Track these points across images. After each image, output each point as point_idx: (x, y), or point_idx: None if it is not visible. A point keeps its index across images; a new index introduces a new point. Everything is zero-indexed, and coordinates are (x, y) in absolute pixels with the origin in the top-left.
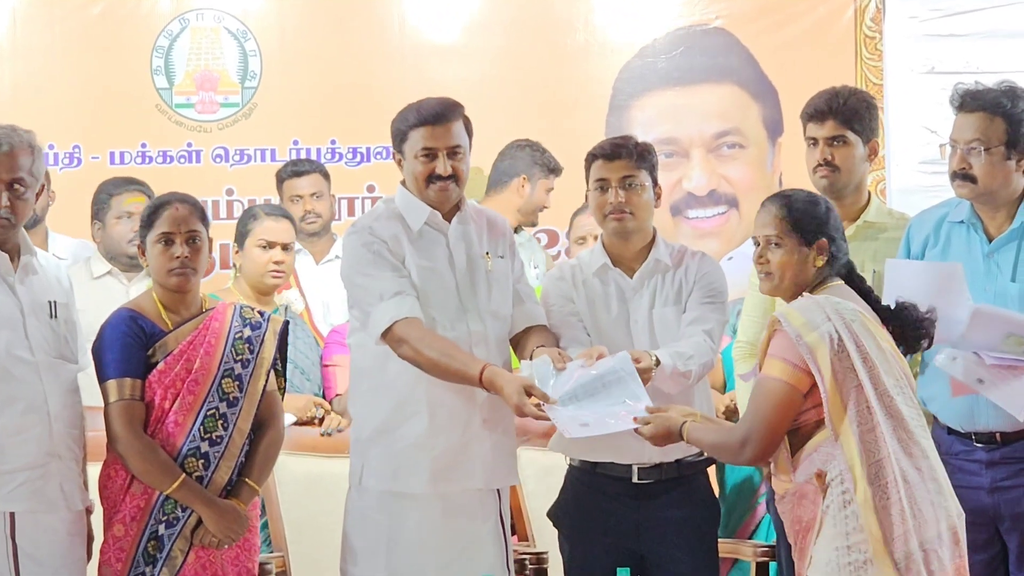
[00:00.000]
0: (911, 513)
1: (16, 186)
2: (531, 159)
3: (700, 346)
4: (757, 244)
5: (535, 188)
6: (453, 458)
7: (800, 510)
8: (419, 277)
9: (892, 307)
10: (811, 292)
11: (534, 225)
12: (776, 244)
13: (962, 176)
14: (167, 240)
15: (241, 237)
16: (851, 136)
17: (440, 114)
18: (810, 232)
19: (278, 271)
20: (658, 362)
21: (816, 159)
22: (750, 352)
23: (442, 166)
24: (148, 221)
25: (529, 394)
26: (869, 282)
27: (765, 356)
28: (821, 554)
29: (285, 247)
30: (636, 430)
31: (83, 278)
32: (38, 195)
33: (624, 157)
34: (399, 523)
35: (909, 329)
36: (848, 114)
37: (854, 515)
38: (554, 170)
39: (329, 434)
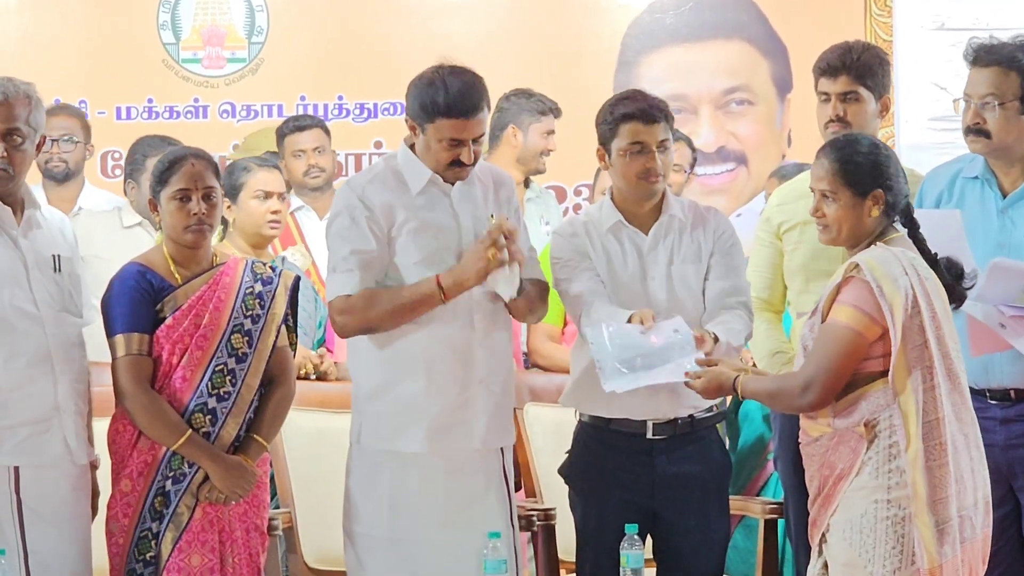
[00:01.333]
0: (955, 478)
1: (13, 136)
2: (518, 107)
3: (744, 319)
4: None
5: (528, 134)
6: (450, 418)
7: (835, 456)
8: (418, 237)
9: (941, 261)
10: (881, 242)
11: (540, 172)
12: (830, 197)
13: (976, 131)
14: (184, 197)
15: (233, 191)
16: (863, 92)
17: (471, 105)
18: (865, 184)
19: (276, 220)
20: (716, 339)
21: (828, 115)
22: (758, 307)
23: (467, 155)
24: (163, 177)
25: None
26: None
27: (833, 302)
28: (855, 503)
29: (280, 196)
30: (687, 383)
31: (114, 227)
32: (39, 147)
33: (660, 121)
34: (399, 482)
35: (956, 284)
36: (861, 70)
37: (898, 470)
38: (547, 111)
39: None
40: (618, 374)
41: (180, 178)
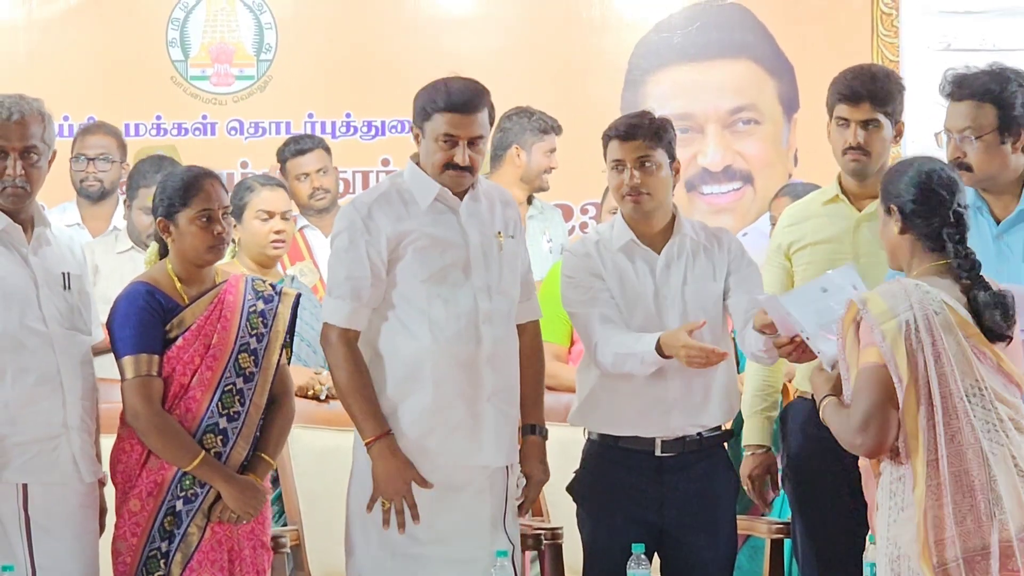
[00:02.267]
0: (956, 520)
1: (30, 154)
2: (520, 126)
3: None
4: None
5: (531, 153)
6: (458, 434)
7: (870, 489)
8: (426, 254)
9: (981, 295)
10: (920, 269)
11: (543, 190)
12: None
13: (958, 165)
14: (208, 217)
15: (238, 211)
16: (883, 119)
17: (468, 102)
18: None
19: (279, 240)
20: None
21: (848, 141)
22: None
23: (461, 155)
24: (183, 199)
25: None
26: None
27: (858, 344)
28: (879, 522)
29: (284, 216)
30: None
31: (108, 251)
32: (50, 163)
33: (639, 137)
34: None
35: (989, 316)
36: (884, 98)
37: (898, 507)
38: (549, 130)
39: (325, 399)
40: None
41: (202, 199)
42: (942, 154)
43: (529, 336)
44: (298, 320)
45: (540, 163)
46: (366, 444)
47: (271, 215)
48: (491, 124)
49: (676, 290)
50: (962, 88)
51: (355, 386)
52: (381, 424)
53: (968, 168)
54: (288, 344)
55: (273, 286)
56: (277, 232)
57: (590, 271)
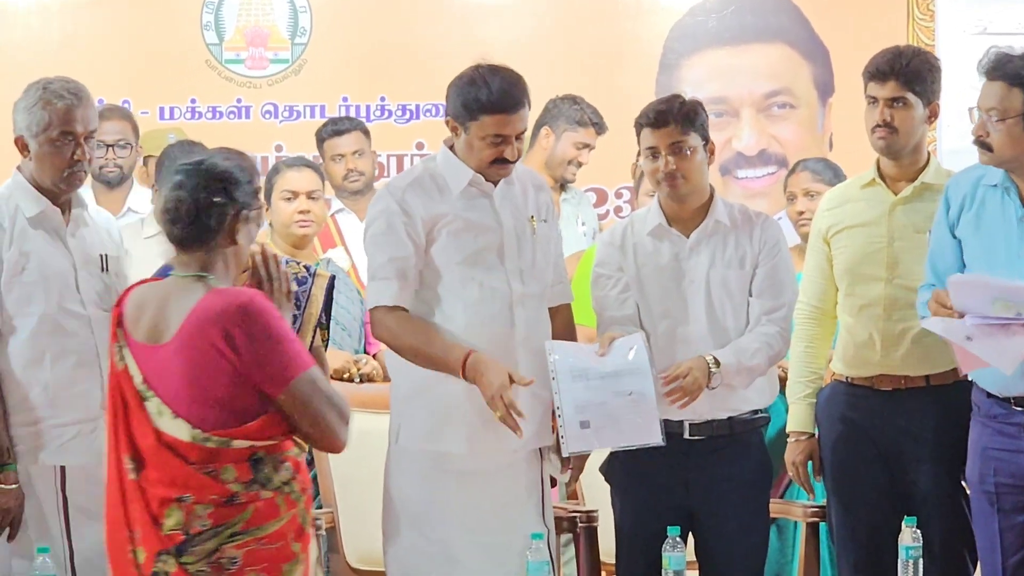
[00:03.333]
0: None
1: (92, 139)
2: (558, 111)
3: (771, 338)
4: None
5: (559, 140)
6: (488, 418)
7: None
8: (460, 237)
9: None
10: None
11: (567, 182)
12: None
13: (979, 143)
14: (293, 195)
15: (268, 194)
16: (911, 98)
17: (515, 102)
18: None
19: (304, 220)
20: (718, 362)
21: (875, 119)
22: (810, 315)
23: (511, 152)
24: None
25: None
26: (926, 245)
27: None
28: None
29: (310, 196)
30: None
31: (135, 236)
32: None
33: (671, 123)
34: (438, 482)
35: None
36: (910, 76)
37: None
38: (586, 123)
39: (360, 380)
40: (576, 427)
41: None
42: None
43: (562, 319)
44: (333, 304)
45: (566, 152)
46: (462, 376)
47: (295, 195)
48: (529, 108)
49: (702, 274)
50: (996, 69)
51: (421, 339)
52: (461, 349)
53: (989, 148)
54: (325, 326)
55: (307, 267)
56: (302, 212)
57: (612, 264)
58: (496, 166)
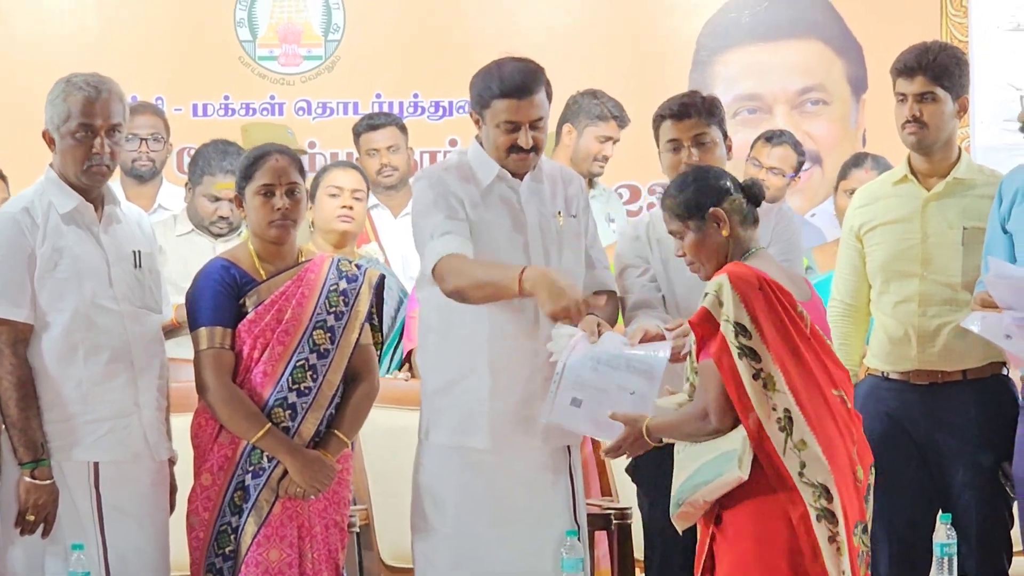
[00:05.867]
0: None
1: (114, 133)
2: (579, 106)
3: None
4: None
5: (582, 135)
6: (515, 415)
7: None
8: (485, 233)
9: None
10: None
11: (595, 176)
12: None
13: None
14: (267, 192)
15: (313, 192)
16: (940, 92)
17: (524, 86)
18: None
19: (347, 215)
20: None
21: (905, 115)
22: (844, 312)
23: (524, 138)
24: (247, 172)
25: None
26: (959, 240)
27: None
28: None
29: (354, 195)
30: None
31: (168, 233)
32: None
33: (694, 115)
34: (466, 478)
35: None
36: (938, 70)
37: None
38: (607, 117)
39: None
40: (566, 400)
41: (264, 173)
42: (1017, 139)
43: (607, 303)
44: None
45: (590, 147)
46: (521, 290)
47: (341, 190)
48: (549, 100)
49: None
50: None
51: (481, 272)
52: (515, 268)
53: None
54: (377, 328)
55: (358, 266)
56: (344, 207)
57: (637, 254)
58: (514, 155)
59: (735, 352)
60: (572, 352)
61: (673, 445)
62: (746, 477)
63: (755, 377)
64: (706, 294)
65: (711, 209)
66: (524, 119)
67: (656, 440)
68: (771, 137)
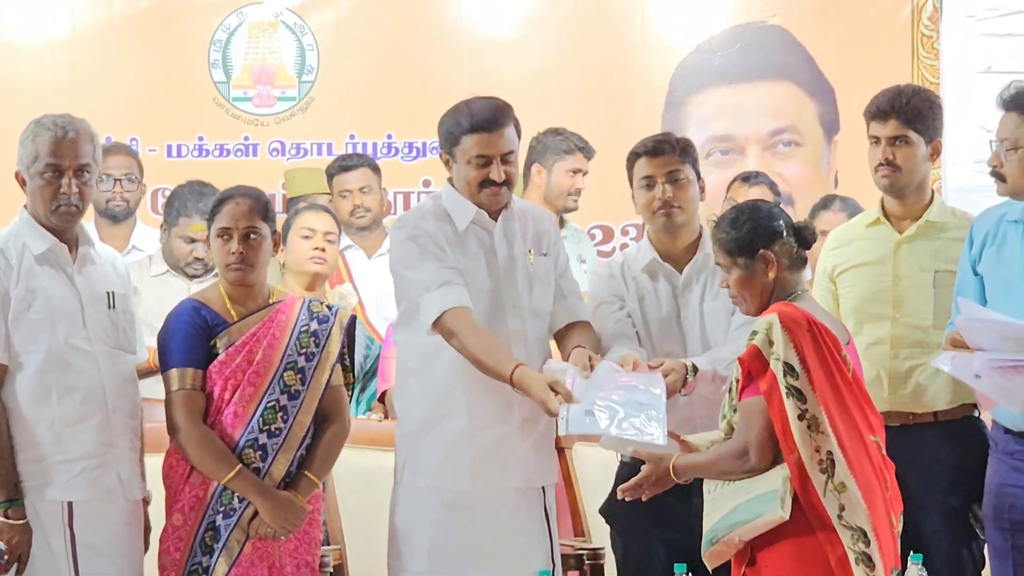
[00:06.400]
0: None
1: (83, 173)
2: (544, 145)
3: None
4: None
5: (552, 172)
6: (492, 456)
7: None
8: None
9: None
10: None
11: (570, 210)
12: None
13: (994, 174)
14: (226, 235)
15: (285, 233)
16: (913, 136)
17: (494, 120)
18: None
19: (319, 257)
20: (695, 369)
21: (878, 158)
22: None
23: (496, 172)
24: (211, 214)
25: (556, 392)
26: (931, 283)
27: None
28: None
29: (327, 237)
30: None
31: (143, 274)
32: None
33: (668, 152)
34: (442, 519)
35: None
36: (911, 114)
37: None
38: (573, 150)
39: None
40: (580, 413)
41: (223, 216)
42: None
43: (582, 336)
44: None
45: (561, 183)
46: (510, 382)
47: (313, 232)
48: (518, 137)
49: (695, 308)
50: (1014, 100)
51: (483, 348)
52: (510, 363)
53: (1003, 178)
54: (349, 368)
55: (329, 307)
56: (317, 249)
57: (612, 292)
58: (486, 190)
59: (783, 391)
60: (573, 387)
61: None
62: (787, 518)
63: (800, 417)
64: (755, 332)
65: (761, 251)
66: (495, 152)
67: (682, 478)
68: (747, 177)
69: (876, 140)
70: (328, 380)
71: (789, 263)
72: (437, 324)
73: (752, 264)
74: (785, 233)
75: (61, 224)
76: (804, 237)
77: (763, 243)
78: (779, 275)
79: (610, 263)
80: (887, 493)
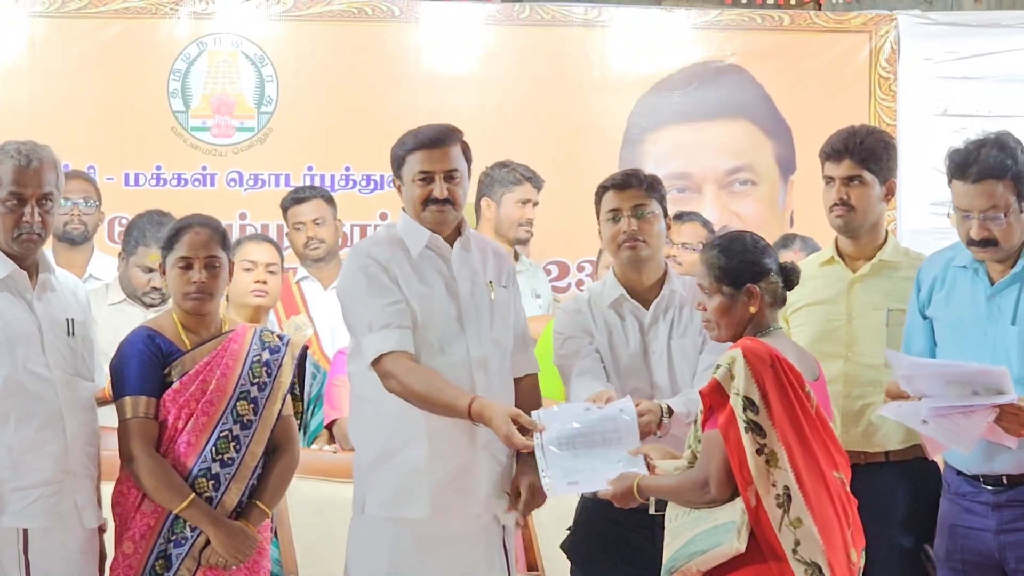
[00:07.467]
0: None
1: (46, 201)
2: (491, 179)
3: None
4: None
5: (501, 204)
6: (453, 484)
7: None
8: (419, 302)
9: None
10: None
11: (522, 241)
12: None
13: (986, 242)
14: (186, 264)
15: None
16: (868, 176)
17: (437, 138)
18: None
19: (261, 290)
20: (671, 412)
21: (832, 198)
22: None
23: (439, 189)
24: (169, 243)
25: (518, 424)
26: (884, 322)
27: None
28: None
29: (268, 268)
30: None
31: (100, 302)
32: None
33: (635, 186)
34: (400, 550)
35: None
36: (865, 154)
37: None
38: (521, 180)
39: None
40: (556, 459)
41: (183, 246)
42: (943, 223)
43: (527, 388)
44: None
45: (512, 214)
46: (468, 417)
47: (255, 264)
48: (468, 163)
49: (662, 344)
50: (976, 169)
51: (432, 388)
52: (466, 396)
53: (995, 243)
54: (298, 397)
55: (280, 337)
56: (259, 281)
57: (580, 327)
58: (431, 207)
59: (742, 425)
60: (545, 459)
61: (617, 524)
62: (743, 550)
63: (759, 452)
64: (718, 366)
65: (748, 284)
66: (438, 169)
67: (645, 498)
68: (679, 216)
69: (831, 180)
70: (280, 410)
71: (771, 300)
72: (376, 365)
73: (736, 295)
74: (774, 272)
75: (23, 252)
76: (790, 278)
77: (751, 277)
78: (759, 311)
79: (577, 298)
80: (848, 530)
